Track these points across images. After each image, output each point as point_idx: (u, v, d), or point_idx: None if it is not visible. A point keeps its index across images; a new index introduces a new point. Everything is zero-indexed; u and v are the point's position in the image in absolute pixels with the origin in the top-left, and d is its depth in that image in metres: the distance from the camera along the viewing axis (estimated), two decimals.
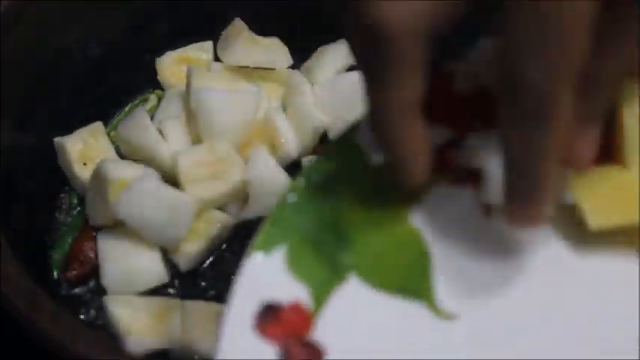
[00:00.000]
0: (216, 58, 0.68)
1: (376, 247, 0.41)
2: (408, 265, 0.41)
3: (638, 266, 0.40)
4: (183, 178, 0.59)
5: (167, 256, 0.59)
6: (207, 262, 0.60)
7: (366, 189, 0.42)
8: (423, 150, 0.39)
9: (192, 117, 0.63)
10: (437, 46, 0.37)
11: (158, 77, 0.68)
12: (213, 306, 0.56)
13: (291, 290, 0.39)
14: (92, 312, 0.58)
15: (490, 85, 0.41)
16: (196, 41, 0.69)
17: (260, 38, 0.68)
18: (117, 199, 0.56)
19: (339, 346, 0.39)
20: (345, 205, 0.41)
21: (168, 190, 0.57)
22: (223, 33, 0.68)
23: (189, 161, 0.60)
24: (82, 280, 0.60)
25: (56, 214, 0.63)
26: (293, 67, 0.68)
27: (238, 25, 0.68)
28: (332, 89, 0.65)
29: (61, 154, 0.63)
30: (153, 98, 0.69)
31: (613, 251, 0.41)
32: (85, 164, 0.62)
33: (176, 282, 0.60)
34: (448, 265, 0.41)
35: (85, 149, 0.63)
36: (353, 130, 0.43)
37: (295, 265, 0.40)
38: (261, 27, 0.68)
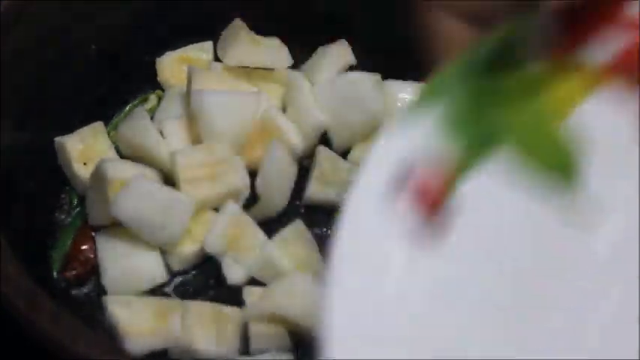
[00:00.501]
0: (216, 58, 0.68)
1: (533, 116, 0.39)
2: (564, 146, 0.38)
3: None
4: (180, 178, 0.59)
5: (165, 255, 0.59)
6: (207, 262, 0.60)
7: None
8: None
9: (192, 117, 0.63)
10: None
11: (158, 77, 0.68)
12: (213, 306, 0.56)
13: (431, 156, 0.37)
14: (92, 312, 0.58)
15: None
16: (196, 41, 0.69)
17: (260, 38, 0.68)
18: (114, 198, 0.56)
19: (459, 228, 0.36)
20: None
21: (164, 190, 0.57)
22: (223, 33, 0.68)
23: (188, 161, 0.60)
24: (81, 280, 0.60)
25: (56, 214, 0.63)
26: (293, 67, 0.68)
27: (238, 25, 0.68)
28: (332, 89, 0.65)
29: (61, 153, 0.63)
30: (153, 98, 0.69)
31: None
32: (85, 164, 0.62)
33: (176, 282, 0.60)
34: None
35: (85, 149, 0.63)
36: None
37: (448, 126, 0.37)
38: (261, 27, 0.68)
